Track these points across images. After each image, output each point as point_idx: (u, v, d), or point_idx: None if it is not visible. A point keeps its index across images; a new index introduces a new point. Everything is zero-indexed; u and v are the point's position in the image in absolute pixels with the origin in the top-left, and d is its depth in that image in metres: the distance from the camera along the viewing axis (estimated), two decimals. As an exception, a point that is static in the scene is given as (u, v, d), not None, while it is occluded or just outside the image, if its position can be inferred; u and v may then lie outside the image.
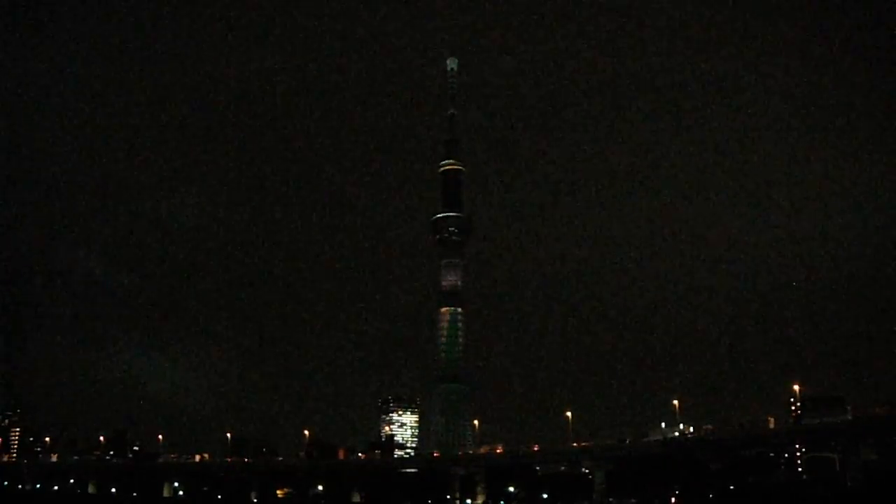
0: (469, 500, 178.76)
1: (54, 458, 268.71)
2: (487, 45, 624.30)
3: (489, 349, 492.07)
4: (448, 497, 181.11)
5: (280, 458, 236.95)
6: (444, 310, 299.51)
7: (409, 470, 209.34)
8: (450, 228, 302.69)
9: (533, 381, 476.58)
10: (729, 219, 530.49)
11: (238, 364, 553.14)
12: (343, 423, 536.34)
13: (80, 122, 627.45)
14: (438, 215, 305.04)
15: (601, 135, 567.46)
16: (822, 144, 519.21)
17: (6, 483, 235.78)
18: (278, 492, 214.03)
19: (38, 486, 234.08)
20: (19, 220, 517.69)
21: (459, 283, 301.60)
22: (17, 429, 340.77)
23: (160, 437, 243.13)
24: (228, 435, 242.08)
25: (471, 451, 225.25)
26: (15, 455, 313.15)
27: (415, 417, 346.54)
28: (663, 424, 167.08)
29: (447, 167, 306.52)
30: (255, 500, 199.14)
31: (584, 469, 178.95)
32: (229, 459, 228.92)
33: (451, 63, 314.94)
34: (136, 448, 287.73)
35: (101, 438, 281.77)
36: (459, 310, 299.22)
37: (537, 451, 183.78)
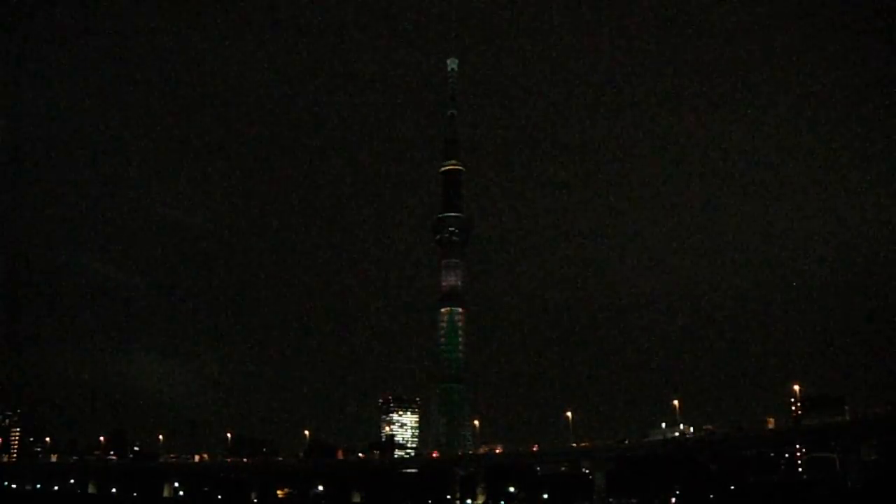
0: (469, 500, 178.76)
1: (54, 458, 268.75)
2: (487, 45, 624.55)
3: (489, 349, 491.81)
4: (448, 497, 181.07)
5: (280, 458, 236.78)
6: (444, 310, 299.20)
7: (409, 470, 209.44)
8: (450, 228, 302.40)
9: (533, 381, 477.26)
10: (729, 219, 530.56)
11: (238, 364, 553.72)
12: (343, 423, 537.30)
13: (80, 122, 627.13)
14: (438, 215, 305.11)
15: (601, 135, 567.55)
16: (822, 144, 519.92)
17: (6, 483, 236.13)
18: (278, 492, 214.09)
19: (38, 486, 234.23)
20: (20, 220, 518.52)
21: (459, 283, 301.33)
22: (17, 429, 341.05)
23: (160, 437, 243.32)
24: (228, 435, 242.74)
25: (471, 451, 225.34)
26: (15, 455, 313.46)
27: (415, 417, 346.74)
28: (663, 424, 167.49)
29: (447, 167, 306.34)
30: (255, 500, 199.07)
31: (584, 469, 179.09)
32: (229, 459, 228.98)
33: (451, 63, 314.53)
34: (136, 448, 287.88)
35: (101, 438, 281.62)
36: (459, 310, 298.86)
37: (537, 451, 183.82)
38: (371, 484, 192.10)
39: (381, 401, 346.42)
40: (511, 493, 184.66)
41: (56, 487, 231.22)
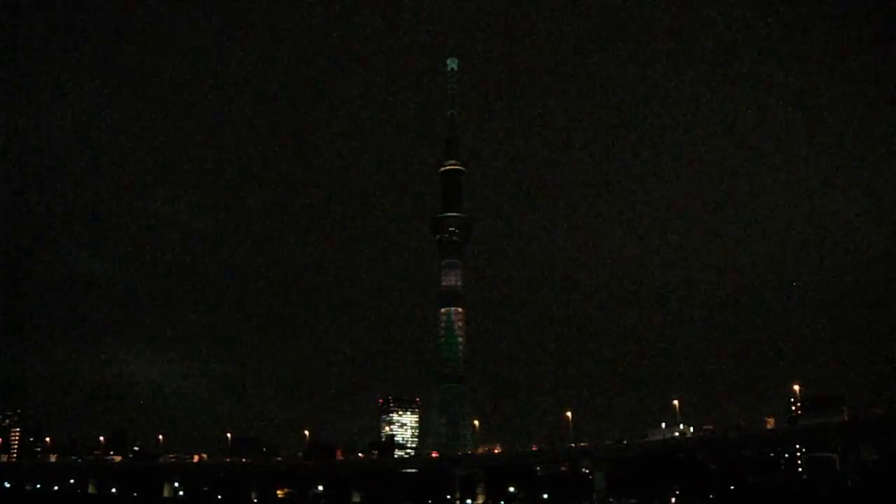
0: (469, 501, 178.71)
1: (54, 458, 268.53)
2: (487, 45, 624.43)
3: (489, 349, 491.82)
4: (448, 497, 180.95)
5: (280, 458, 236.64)
6: (444, 310, 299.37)
7: (409, 470, 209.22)
8: (450, 228, 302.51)
9: (533, 381, 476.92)
10: (729, 219, 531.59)
11: (238, 364, 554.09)
12: (343, 423, 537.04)
13: (80, 121, 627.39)
14: (438, 215, 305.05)
15: (602, 135, 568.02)
16: (823, 144, 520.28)
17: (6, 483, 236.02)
18: (278, 492, 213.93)
19: (37, 486, 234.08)
20: (19, 220, 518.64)
21: (459, 283, 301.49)
22: (17, 429, 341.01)
23: (160, 437, 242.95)
24: (228, 435, 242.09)
25: (470, 451, 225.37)
26: (15, 455, 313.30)
27: (415, 417, 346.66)
28: (663, 424, 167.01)
29: (447, 167, 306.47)
30: (255, 500, 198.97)
31: (584, 469, 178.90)
32: (229, 459, 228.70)
33: (451, 63, 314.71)
34: (136, 448, 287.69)
35: (101, 438, 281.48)
36: (459, 310, 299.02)
37: (537, 451, 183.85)
38: (371, 484, 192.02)
39: (381, 401, 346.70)
40: (511, 493, 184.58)
41: (56, 487, 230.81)
